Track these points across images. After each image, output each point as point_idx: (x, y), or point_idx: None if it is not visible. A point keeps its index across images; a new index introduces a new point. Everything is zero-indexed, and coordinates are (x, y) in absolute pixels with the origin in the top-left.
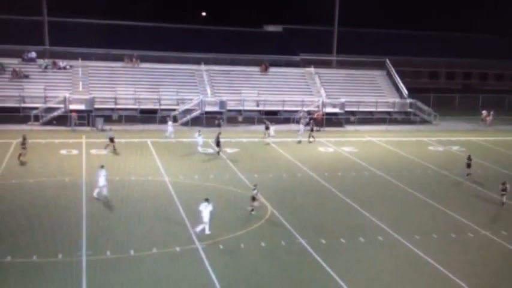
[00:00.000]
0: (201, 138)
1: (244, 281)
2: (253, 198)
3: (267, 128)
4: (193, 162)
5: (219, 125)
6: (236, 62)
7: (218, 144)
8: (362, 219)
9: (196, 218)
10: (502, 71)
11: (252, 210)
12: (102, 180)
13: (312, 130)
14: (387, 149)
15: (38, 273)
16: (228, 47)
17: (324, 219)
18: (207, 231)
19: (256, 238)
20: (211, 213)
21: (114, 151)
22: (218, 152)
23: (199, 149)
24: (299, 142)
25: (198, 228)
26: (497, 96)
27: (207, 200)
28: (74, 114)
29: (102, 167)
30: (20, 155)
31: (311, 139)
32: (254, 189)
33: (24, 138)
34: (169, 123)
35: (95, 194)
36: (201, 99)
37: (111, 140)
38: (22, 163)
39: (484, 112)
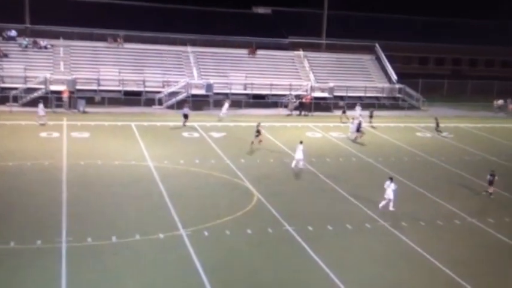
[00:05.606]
0: (354, 126)
1: (228, 268)
2: (490, 183)
3: (344, 112)
4: (178, 146)
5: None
6: (224, 44)
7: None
8: (349, 206)
9: (182, 204)
10: (491, 56)
11: (490, 194)
12: (299, 154)
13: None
14: (375, 134)
15: (15, 260)
16: (216, 28)
17: (311, 205)
18: (391, 208)
19: (243, 225)
20: (395, 192)
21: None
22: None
23: (349, 134)
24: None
25: (380, 204)
26: (486, 82)
27: (390, 178)
28: (66, 95)
29: (301, 142)
30: (259, 141)
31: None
32: (492, 175)
33: (259, 125)
34: (226, 104)
35: (292, 165)
36: (187, 81)
37: (185, 116)
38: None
39: (501, 101)
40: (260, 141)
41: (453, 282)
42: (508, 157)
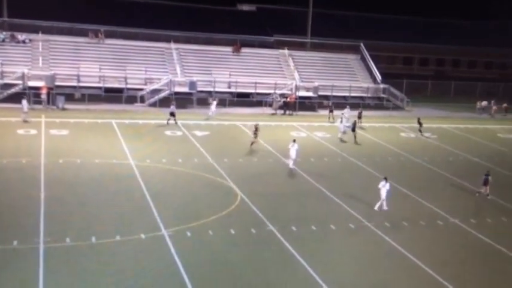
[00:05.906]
0: (343, 125)
1: (211, 269)
2: (485, 183)
3: (331, 111)
4: (160, 144)
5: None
6: (208, 41)
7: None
8: (333, 206)
9: (164, 204)
10: (474, 57)
11: (478, 193)
12: (293, 154)
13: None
14: (360, 134)
15: None
16: (200, 25)
17: (295, 205)
18: (385, 207)
19: (226, 225)
20: (388, 192)
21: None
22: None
23: (340, 135)
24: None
25: (376, 206)
26: (468, 84)
27: (385, 178)
28: (44, 91)
29: (294, 141)
30: (251, 143)
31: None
32: (487, 175)
33: (257, 125)
34: (214, 103)
35: (290, 164)
36: (170, 79)
37: (172, 114)
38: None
39: (484, 102)
40: (252, 143)
41: (436, 282)
42: (489, 158)
